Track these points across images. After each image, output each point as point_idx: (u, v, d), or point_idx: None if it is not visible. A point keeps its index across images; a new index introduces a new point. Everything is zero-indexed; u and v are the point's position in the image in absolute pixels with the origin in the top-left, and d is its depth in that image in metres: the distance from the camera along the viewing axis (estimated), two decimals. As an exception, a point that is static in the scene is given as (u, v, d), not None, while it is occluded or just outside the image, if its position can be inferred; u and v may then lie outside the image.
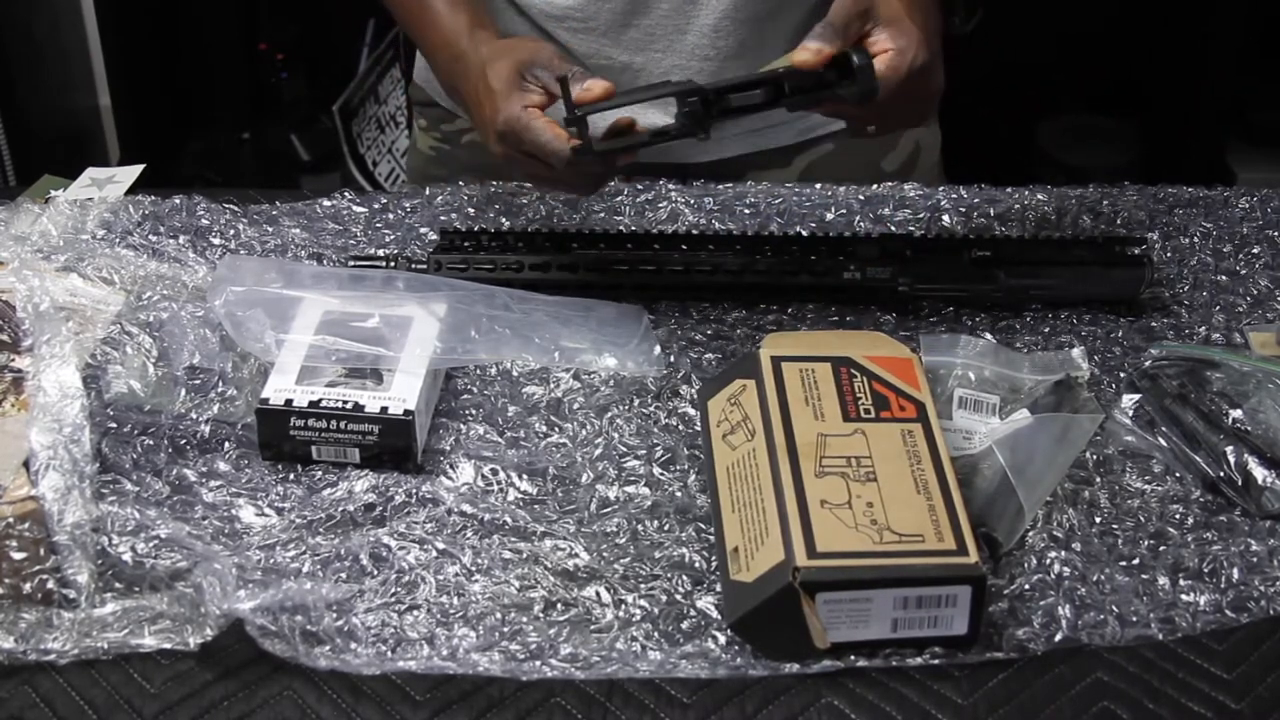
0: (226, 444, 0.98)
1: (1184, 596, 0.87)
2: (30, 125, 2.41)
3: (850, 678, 0.82)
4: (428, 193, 1.27)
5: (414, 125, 1.47)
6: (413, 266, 1.12)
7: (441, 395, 1.03)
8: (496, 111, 1.03)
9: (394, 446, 0.96)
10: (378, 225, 1.23)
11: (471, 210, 1.25)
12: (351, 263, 1.14)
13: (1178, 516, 0.93)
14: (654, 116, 1.25)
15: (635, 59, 1.23)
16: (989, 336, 1.08)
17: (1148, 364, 1.04)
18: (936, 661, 0.82)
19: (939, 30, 1.06)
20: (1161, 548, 0.91)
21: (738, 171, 1.31)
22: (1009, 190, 1.27)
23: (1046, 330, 1.10)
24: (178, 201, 1.23)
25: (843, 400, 0.92)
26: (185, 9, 2.63)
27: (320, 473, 0.96)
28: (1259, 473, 0.93)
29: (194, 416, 0.99)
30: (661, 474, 0.96)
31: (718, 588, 0.87)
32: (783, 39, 1.22)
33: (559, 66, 1.02)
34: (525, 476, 0.95)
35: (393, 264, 1.13)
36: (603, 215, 1.23)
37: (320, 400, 0.96)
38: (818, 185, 1.27)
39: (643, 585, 0.88)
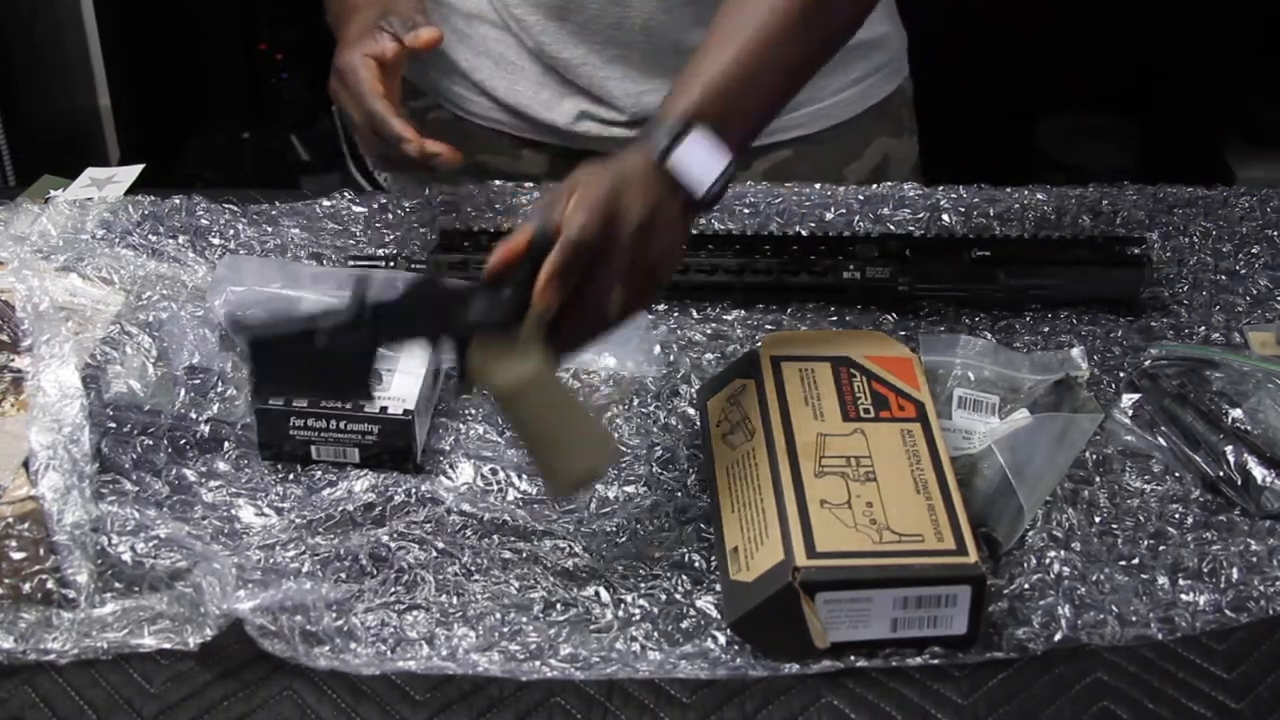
0: (226, 444, 0.98)
1: (1184, 596, 0.87)
2: (30, 125, 2.41)
3: (850, 678, 0.82)
4: (427, 192, 1.27)
5: None
6: (412, 266, 1.12)
7: (441, 395, 1.03)
8: (340, 54, 1.11)
9: (394, 446, 0.96)
10: (378, 225, 1.23)
11: (471, 210, 1.25)
12: (351, 263, 1.14)
13: (1177, 516, 0.93)
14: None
15: (577, 51, 1.25)
16: (989, 336, 1.08)
17: (1147, 364, 1.04)
18: (936, 661, 0.82)
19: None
20: (1161, 547, 0.91)
21: None
22: (1009, 190, 1.27)
23: (1046, 330, 1.10)
24: (177, 201, 1.23)
25: (842, 400, 0.92)
26: (185, 9, 2.63)
27: (320, 473, 0.96)
28: (1258, 472, 0.93)
29: (193, 416, 0.99)
30: (661, 474, 0.96)
31: (717, 588, 0.87)
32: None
33: (409, 19, 1.12)
34: (525, 476, 0.95)
35: (393, 264, 1.13)
36: (602, 215, 1.23)
37: (320, 400, 0.96)
38: (817, 185, 1.27)
39: (642, 585, 0.88)
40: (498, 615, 0.86)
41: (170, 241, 1.18)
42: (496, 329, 0.83)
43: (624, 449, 0.98)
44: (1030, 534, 0.91)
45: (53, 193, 1.24)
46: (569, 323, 0.85)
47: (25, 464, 0.90)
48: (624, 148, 0.90)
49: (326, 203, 1.25)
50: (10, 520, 0.86)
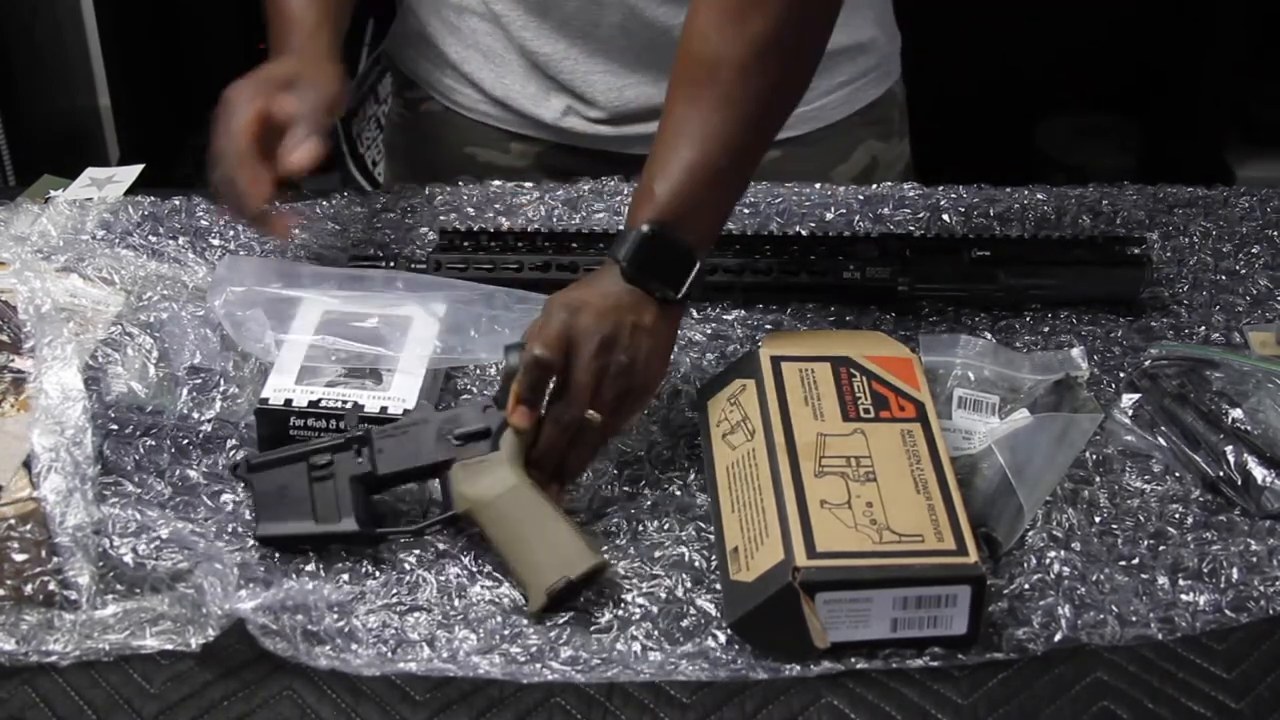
0: (229, 443, 0.98)
1: (1184, 596, 0.87)
2: (30, 125, 2.41)
3: (850, 678, 0.82)
4: (427, 192, 1.27)
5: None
6: (412, 266, 1.12)
7: (441, 395, 1.03)
8: (241, 81, 1.07)
9: (394, 447, 0.96)
10: (378, 225, 1.23)
11: (471, 210, 1.25)
12: (351, 263, 1.14)
13: (1177, 516, 0.93)
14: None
15: (558, 47, 1.25)
16: (989, 336, 1.08)
17: (1147, 364, 1.04)
18: (936, 663, 0.82)
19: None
20: (1161, 547, 0.91)
21: None
22: (1009, 190, 1.27)
23: (1046, 330, 1.10)
24: (177, 202, 1.24)
25: (842, 400, 0.92)
26: (185, 9, 2.63)
27: (321, 473, 0.96)
28: (1258, 472, 0.93)
29: (196, 416, 0.99)
30: (661, 474, 0.96)
31: (718, 587, 0.87)
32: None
33: (313, 113, 1.06)
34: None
35: (393, 264, 1.13)
36: (603, 215, 1.24)
37: (320, 400, 0.96)
38: (817, 185, 1.27)
39: (643, 584, 0.88)
40: (499, 618, 0.86)
41: (170, 242, 1.18)
42: (479, 445, 0.91)
43: (624, 448, 0.98)
44: (1030, 534, 0.91)
45: (53, 193, 1.24)
46: (553, 443, 0.91)
47: (27, 465, 0.90)
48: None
49: (326, 203, 1.25)
50: (12, 522, 0.86)
